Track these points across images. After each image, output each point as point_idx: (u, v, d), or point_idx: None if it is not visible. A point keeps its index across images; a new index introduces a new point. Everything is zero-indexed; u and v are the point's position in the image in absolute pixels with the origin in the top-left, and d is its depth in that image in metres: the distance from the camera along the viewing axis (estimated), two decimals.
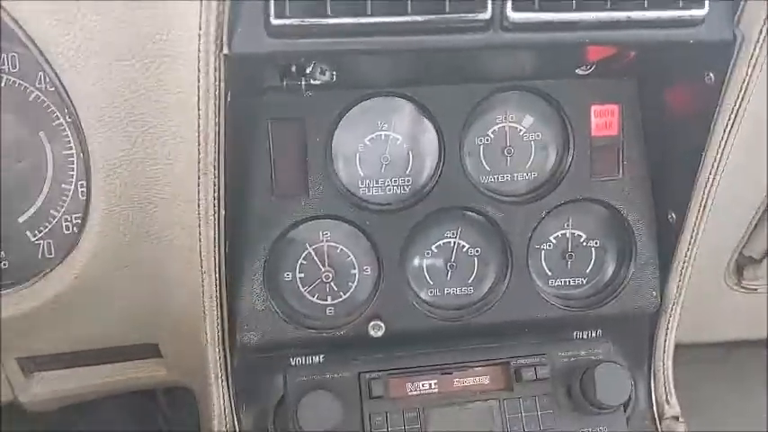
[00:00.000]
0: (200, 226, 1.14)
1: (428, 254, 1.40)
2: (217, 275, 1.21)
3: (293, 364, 1.37)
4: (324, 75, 1.18)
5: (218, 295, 1.23)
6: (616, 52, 1.19)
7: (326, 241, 1.35)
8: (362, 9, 0.97)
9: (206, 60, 0.97)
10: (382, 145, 1.34)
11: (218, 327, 1.27)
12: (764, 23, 1.04)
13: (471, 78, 1.29)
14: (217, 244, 1.17)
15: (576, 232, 1.43)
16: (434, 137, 1.34)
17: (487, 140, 1.37)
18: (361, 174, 1.35)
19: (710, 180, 1.24)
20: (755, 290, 1.63)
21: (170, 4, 0.93)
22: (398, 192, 1.36)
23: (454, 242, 1.40)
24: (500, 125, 1.37)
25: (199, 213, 1.13)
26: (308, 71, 1.17)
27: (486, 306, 1.38)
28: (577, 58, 1.26)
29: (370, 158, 1.34)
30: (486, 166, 1.38)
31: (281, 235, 1.30)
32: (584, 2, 1.01)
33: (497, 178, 1.39)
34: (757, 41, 1.06)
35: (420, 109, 1.32)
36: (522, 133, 1.38)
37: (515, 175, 1.39)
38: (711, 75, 1.14)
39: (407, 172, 1.36)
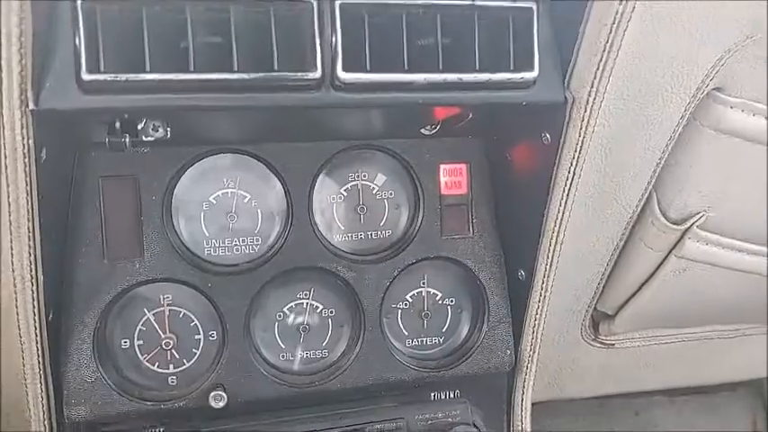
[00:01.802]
0: (15, 290, 1.04)
1: (279, 316, 1.34)
2: (38, 345, 1.10)
3: None
4: (157, 131, 1.12)
5: (41, 366, 1.12)
6: (456, 113, 1.20)
7: (168, 305, 1.27)
8: (185, 64, 0.93)
9: (10, 116, 0.89)
10: (228, 202, 1.29)
11: (43, 401, 1.16)
12: (593, 86, 1.07)
13: (317, 137, 1.27)
14: (36, 311, 1.07)
15: (432, 290, 1.41)
16: (283, 194, 1.29)
17: (340, 199, 1.35)
18: (207, 233, 1.28)
19: (555, 238, 1.25)
20: (613, 345, 1.67)
21: None
22: (246, 251, 1.30)
23: (307, 303, 1.35)
24: (353, 183, 1.35)
25: (14, 279, 1.03)
26: (139, 127, 1.10)
27: (339, 370, 1.33)
28: (419, 118, 1.26)
29: (215, 217, 1.28)
30: (339, 225, 1.35)
31: (114, 300, 1.21)
32: (415, 63, 1.00)
33: (351, 237, 1.36)
34: (587, 103, 1.09)
35: (267, 167, 1.28)
36: (374, 191, 1.36)
37: (369, 233, 1.37)
38: (547, 135, 1.16)
39: (256, 231, 1.30)
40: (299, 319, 1.34)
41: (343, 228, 1.35)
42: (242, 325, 1.26)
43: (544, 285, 1.32)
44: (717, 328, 1.71)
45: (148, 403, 1.23)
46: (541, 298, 1.33)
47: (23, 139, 0.91)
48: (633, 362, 1.76)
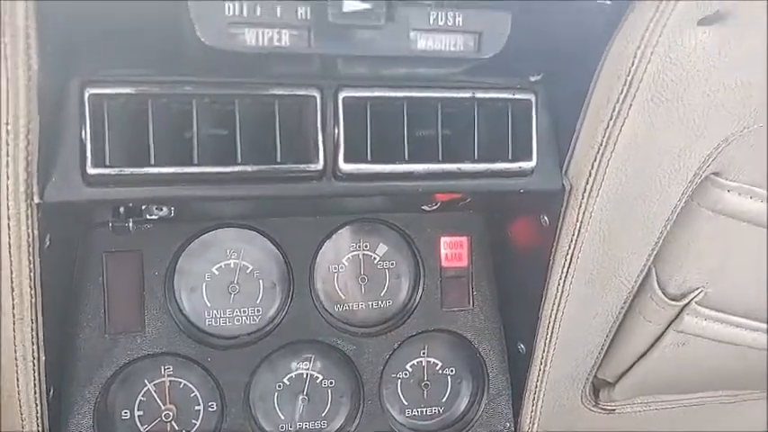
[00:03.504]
0: (17, 372, 1.05)
1: (279, 386, 1.34)
2: (38, 422, 1.11)
3: None
4: (161, 210, 1.14)
5: None
6: (455, 197, 1.22)
7: (168, 377, 1.28)
8: (189, 158, 0.94)
9: (16, 208, 0.90)
10: (231, 273, 1.30)
11: None
12: (590, 175, 1.09)
13: (319, 212, 1.29)
14: (37, 390, 1.08)
15: (432, 360, 1.42)
16: (284, 266, 1.31)
17: (342, 268, 1.36)
18: (208, 304, 1.29)
19: (554, 314, 1.26)
20: (614, 410, 1.66)
21: None
22: (247, 323, 1.31)
23: (307, 374, 1.35)
24: (354, 253, 1.37)
25: (16, 360, 1.04)
26: (143, 207, 1.12)
27: None
28: (419, 200, 1.27)
29: (217, 288, 1.30)
30: (340, 295, 1.36)
31: (114, 374, 1.22)
32: (415, 153, 1.02)
33: (351, 306, 1.37)
34: (584, 191, 1.10)
35: (268, 240, 1.29)
36: (376, 261, 1.38)
37: (370, 303, 1.38)
38: (546, 218, 1.17)
39: (257, 302, 1.32)
40: (299, 391, 1.35)
41: (344, 297, 1.37)
42: (241, 397, 1.27)
43: (544, 359, 1.32)
44: (716, 393, 1.70)
45: None
46: (541, 372, 1.34)
47: (28, 229, 0.92)
48: (634, 425, 1.75)
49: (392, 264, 1.38)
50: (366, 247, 1.37)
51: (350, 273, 1.37)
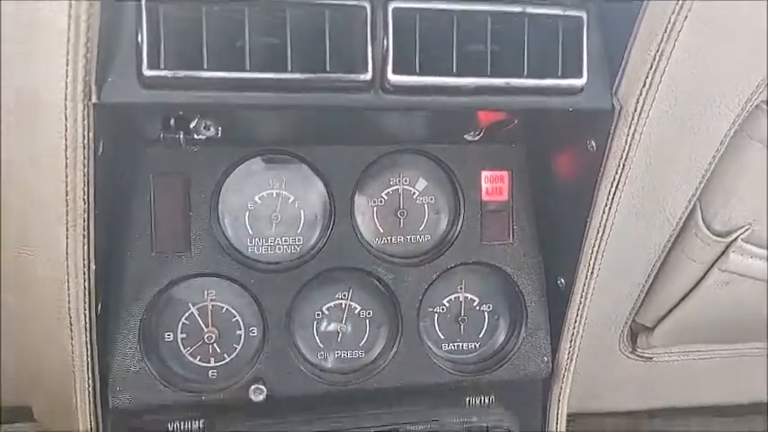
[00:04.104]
0: (68, 281, 1.08)
1: (318, 315, 1.36)
2: (87, 334, 1.14)
3: (171, 429, 1.29)
4: (208, 130, 1.15)
5: (89, 355, 1.15)
6: (501, 118, 1.21)
7: (211, 300, 1.30)
8: (241, 64, 0.95)
9: (73, 108, 0.92)
10: (273, 203, 1.31)
11: (90, 388, 1.19)
12: (641, 94, 1.08)
13: (361, 140, 1.29)
14: (87, 301, 1.10)
15: (469, 296, 1.42)
16: (326, 196, 1.32)
17: (381, 202, 1.37)
18: (251, 232, 1.31)
19: (596, 247, 1.25)
20: (651, 358, 1.65)
21: (40, 48, 0.89)
22: (288, 251, 1.32)
23: (345, 304, 1.36)
24: (394, 188, 1.37)
25: (67, 268, 1.06)
26: (191, 125, 1.13)
27: (376, 370, 1.34)
28: (464, 123, 1.27)
29: (259, 217, 1.31)
30: (379, 228, 1.37)
31: (159, 293, 1.24)
32: (463, 67, 1.02)
33: (390, 240, 1.37)
34: (635, 111, 1.09)
35: (311, 168, 1.30)
36: (415, 196, 1.38)
37: (408, 237, 1.38)
38: (593, 142, 1.17)
39: (298, 231, 1.33)
40: (338, 318, 1.36)
41: (382, 231, 1.37)
42: (282, 322, 1.29)
43: (584, 294, 1.32)
44: (757, 345, 1.68)
45: (190, 395, 1.26)
46: (581, 307, 1.33)
47: (84, 130, 0.94)
48: (672, 375, 1.73)
49: (431, 199, 1.38)
50: (406, 181, 1.37)
51: (389, 207, 1.37)
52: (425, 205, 1.38)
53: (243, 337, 1.31)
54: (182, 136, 1.08)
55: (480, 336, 1.43)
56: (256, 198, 1.31)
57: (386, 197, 1.37)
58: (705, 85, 1.10)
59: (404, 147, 1.33)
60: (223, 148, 1.24)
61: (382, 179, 1.36)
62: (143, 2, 0.92)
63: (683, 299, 1.44)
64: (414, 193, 1.38)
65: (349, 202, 1.31)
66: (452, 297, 1.41)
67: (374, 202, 1.36)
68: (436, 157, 1.34)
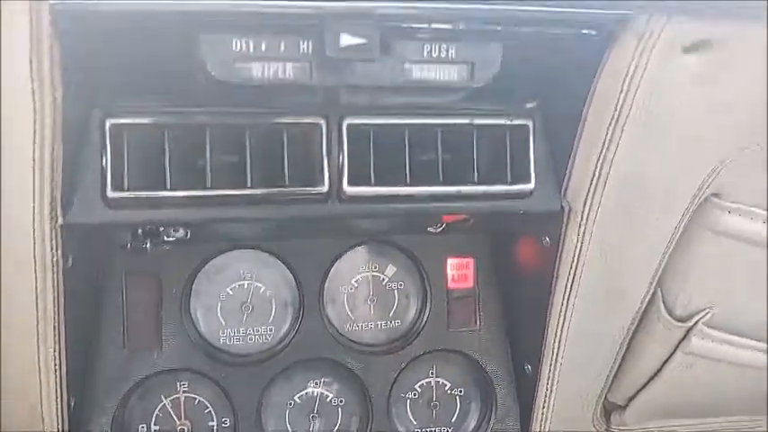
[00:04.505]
0: (40, 382, 1.11)
1: (290, 404, 1.38)
2: (60, 431, 1.16)
3: None
4: (178, 232, 1.20)
5: None
6: (459, 218, 1.26)
7: (183, 392, 1.33)
8: (202, 182, 1.00)
9: (41, 229, 0.97)
10: (244, 294, 1.35)
11: None
12: (588, 195, 1.12)
13: (328, 234, 1.34)
14: (58, 402, 1.13)
15: (441, 380, 1.44)
16: (296, 287, 1.36)
17: (351, 289, 1.40)
18: (223, 323, 1.35)
19: (559, 334, 1.28)
20: None
21: (5, 176, 0.94)
22: (260, 341, 1.36)
23: (317, 392, 1.39)
24: (363, 275, 1.41)
25: (39, 373, 1.10)
26: (161, 229, 1.18)
27: None
28: (424, 221, 1.31)
29: (231, 308, 1.35)
30: (350, 315, 1.40)
31: (133, 388, 1.27)
32: (416, 177, 1.06)
33: (361, 327, 1.40)
34: (583, 211, 1.13)
35: (280, 261, 1.34)
36: (384, 282, 1.42)
37: (379, 323, 1.42)
38: (547, 238, 1.21)
39: (270, 321, 1.36)
40: (310, 408, 1.38)
41: (353, 317, 1.40)
42: (253, 413, 1.31)
43: (550, 379, 1.34)
44: (731, 419, 1.69)
45: None
46: (548, 392, 1.35)
47: (52, 249, 0.99)
48: None
49: (401, 285, 1.42)
50: (375, 268, 1.41)
51: (359, 294, 1.41)
52: (395, 291, 1.42)
53: (216, 428, 1.34)
54: (148, 244, 1.13)
55: (452, 420, 1.45)
56: (228, 289, 1.35)
57: (356, 284, 1.41)
58: (651, 183, 1.15)
59: (370, 239, 1.37)
60: (193, 247, 1.28)
61: (352, 267, 1.40)
62: (107, 127, 0.97)
63: (651, 379, 1.46)
64: (383, 278, 1.42)
65: (318, 292, 1.35)
66: (424, 382, 1.44)
67: (344, 289, 1.40)
68: (402, 246, 1.38)
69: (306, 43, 0.86)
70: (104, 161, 0.98)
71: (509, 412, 1.42)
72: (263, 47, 0.86)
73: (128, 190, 0.98)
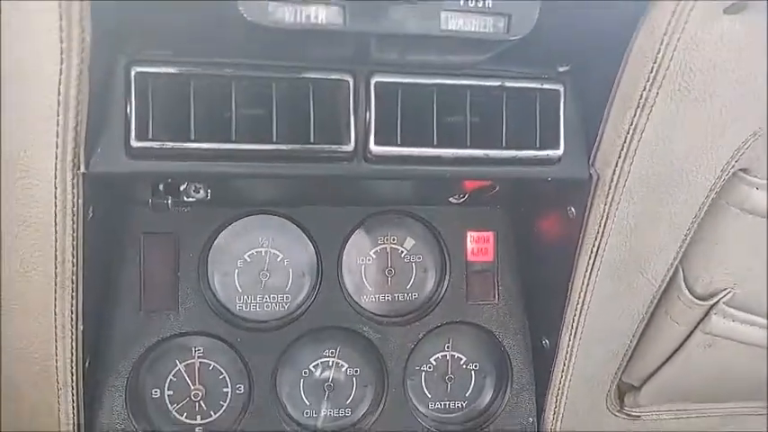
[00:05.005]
0: (56, 340, 1.09)
1: (305, 373, 1.37)
2: (74, 392, 1.15)
3: None
4: (198, 192, 1.18)
5: (75, 413, 1.17)
6: (483, 185, 1.24)
7: (198, 358, 1.31)
8: (227, 135, 0.99)
9: (62, 178, 0.95)
10: (262, 261, 1.34)
11: None
12: (617, 164, 1.10)
13: (349, 201, 1.32)
14: (74, 359, 1.12)
15: (456, 354, 1.43)
16: (314, 255, 1.34)
17: (369, 260, 1.39)
18: (240, 290, 1.33)
19: (579, 309, 1.26)
20: (639, 417, 1.65)
21: (28, 121, 0.93)
22: (276, 309, 1.35)
23: (333, 362, 1.38)
24: (382, 246, 1.39)
25: (55, 327, 1.09)
26: (181, 188, 1.16)
27: (362, 429, 1.35)
28: (448, 189, 1.30)
29: (248, 274, 1.33)
30: (367, 286, 1.39)
31: (147, 351, 1.26)
32: (443, 139, 1.05)
33: (378, 298, 1.39)
34: (612, 181, 1.11)
35: (299, 228, 1.33)
36: (403, 255, 1.40)
37: (396, 295, 1.40)
38: (572, 209, 1.19)
39: (286, 289, 1.35)
40: (325, 377, 1.37)
41: (370, 289, 1.39)
42: (269, 380, 1.30)
43: (568, 355, 1.33)
44: (747, 404, 1.68)
45: None
46: (565, 367, 1.34)
47: (74, 198, 0.97)
48: None
49: (419, 257, 1.41)
50: (394, 240, 1.40)
51: (377, 265, 1.40)
52: (413, 264, 1.41)
53: (230, 394, 1.32)
54: (169, 201, 1.11)
55: (467, 395, 1.44)
56: (246, 256, 1.33)
57: (374, 255, 1.39)
58: (681, 154, 1.13)
59: (390, 208, 1.35)
60: (213, 209, 1.27)
61: (371, 238, 1.39)
62: (132, 75, 0.96)
63: (667, 359, 1.45)
64: (401, 251, 1.40)
65: (336, 261, 1.33)
66: (440, 355, 1.42)
67: (362, 260, 1.39)
68: (422, 218, 1.37)
69: None
70: (129, 110, 0.96)
71: (524, 388, 1.40)
72: None
73: (152, 140, 0.97)
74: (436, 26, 0.87)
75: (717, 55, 0.97)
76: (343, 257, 1.35)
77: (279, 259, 1.35)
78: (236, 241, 1.32)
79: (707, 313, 1.34)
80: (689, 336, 1.38)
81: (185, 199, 1.18)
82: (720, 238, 1.27)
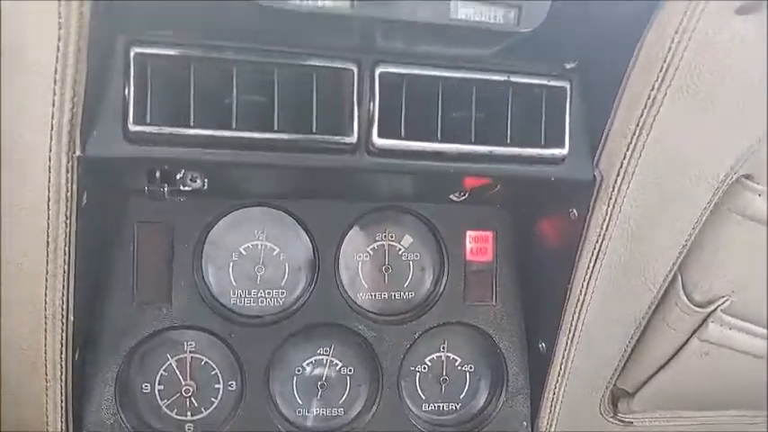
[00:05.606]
0: (45, 330, 1.07)
1: (298, 371, 1.35)
2: (62, 384, 1.12)
3: None
4: (195, 182, 1.15)
5: (63, 405, 1.14)
6: (485, 183, 1.22)
7: (190, 352, 1.29)
8: (227, 122, 0.97)
9: (57, 161, 0.93)
10: (257, 255, 1.31)
11: None
12: (622, 166, 1.09)
13: (348, 196, 1.30)
14: (63, 351, 1.09)
15: (452, 356, 1.41)
16: (311, 249, 1.32)
17: (366, 257, 1.37)
18: (234, 283, 1.31)
19: (578, 313, 1.25)
20: (631, 423, 1.63)
21: (23, 99, 0.90)
22: (271, 304, 1.32)
23: (326, 360, 1.35)
24: (380, 243, 1.37)
25: (45, 317, 1.06)
26: (177, 177, 1.14)
27: (355, 430, 1.32)
28: (449, 185, 1.28)
29: (243, 267, 1.31)
30: (363, 283, 1.37)
31: (139, 343, 1.23)
32: (448, 134, 1.03)
33: (374, 296, 1.37)
34: (615, 183, 1.10)
35: (297, 221, 1.31)
36: (401, 252, 1.38)
37: (393, 293, 1.38)
38: (574, 211, 1.17)
39: (282, 284, 1.32)
40: (318, 375, 1.35)
41: (367, 286, 1.37)
42: (261, 377, 1.27)
43: (564, 359, 1.31)
44: (740, 413, 1.67)
45: None
46: (561, 371, 1.32)
47: (68, 182, 0.95)
48: None
49: (417, 256, 1.39)
50: (392, 237, 1.38)
51: (374, 262, 1.37)
52: (411, 262, 1.39)
53: (221, 391, 1.30)
54: (166, 189, 1.09)
55: (461, 397, 1.42)
56: (241, 249, 1.31)
57: (371, 252, 1.37)
58: (686, 158, 1.12)
59: (389, 204, 1.33)
60: (209, 200, 1.24)
61: (368, 234, 1.37)
62: (132, 55, 0.93)
63: (662, 366, 1.43)
64: (399, 249, 1.38)
65: (334, 256, 1.31)
66: (435, 356, 1.40)
67: (359, 256, 1.37)
68: (422, 215, 1.35)
69: None
70: (127, 92, 0.94)
71: (519, 391, 1.39)
72: None
73: (150, 124, 0.95)
74: (446, 14, 0.85)
75: (727, 56, 0.96)
76: (341, 252, 1.33)
77: (275, 253, 1.32)
78: (231, 233, 1.30)
79: (704, 321, 1.33)
80: (685, 343, 1.37)
81: (181, 188, 1.16)
82: (721, 245, 1.26)
